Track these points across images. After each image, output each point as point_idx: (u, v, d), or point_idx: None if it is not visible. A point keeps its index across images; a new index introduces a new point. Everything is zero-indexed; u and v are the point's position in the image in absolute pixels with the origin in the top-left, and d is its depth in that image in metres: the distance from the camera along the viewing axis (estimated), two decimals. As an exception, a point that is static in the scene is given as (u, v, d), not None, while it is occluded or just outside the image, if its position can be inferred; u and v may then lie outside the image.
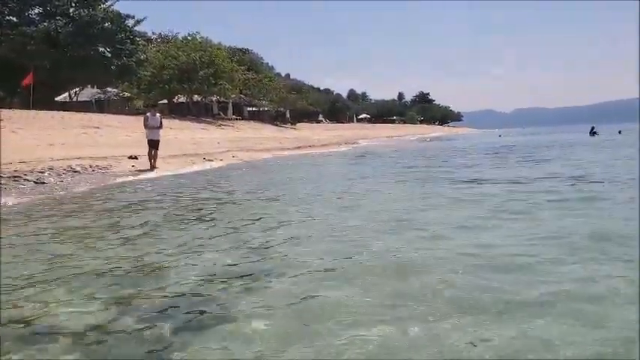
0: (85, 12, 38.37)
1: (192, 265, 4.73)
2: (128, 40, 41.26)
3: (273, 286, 4.07)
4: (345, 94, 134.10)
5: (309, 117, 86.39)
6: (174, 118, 38.85)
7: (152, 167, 15.73)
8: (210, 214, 7.77)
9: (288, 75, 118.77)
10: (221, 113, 58.11)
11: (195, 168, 17.28)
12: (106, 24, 39.26)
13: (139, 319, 3.43)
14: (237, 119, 55.94)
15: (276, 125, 59.71)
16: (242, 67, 57.47)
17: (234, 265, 4.70)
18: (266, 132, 46.67)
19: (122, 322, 3.38)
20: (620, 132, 55.30)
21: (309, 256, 4.85)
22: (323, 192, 10.38)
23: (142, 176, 14.10)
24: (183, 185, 12.15)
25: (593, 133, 52.05)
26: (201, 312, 3.55)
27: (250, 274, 4.37)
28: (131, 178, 13.47)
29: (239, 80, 54.35)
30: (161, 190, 11.00)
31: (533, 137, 53.83)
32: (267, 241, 5.62)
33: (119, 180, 12.87)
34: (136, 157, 17.07)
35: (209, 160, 19.59)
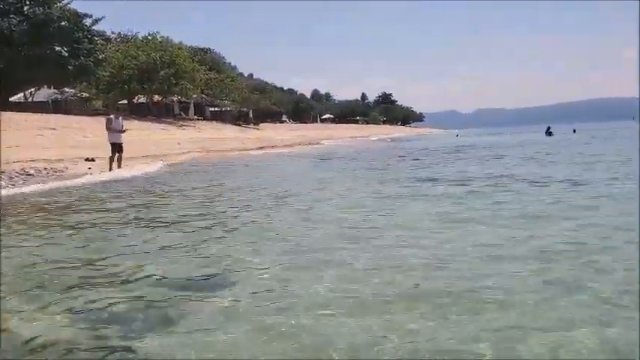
0: (40, 10, 37.54)
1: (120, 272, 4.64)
2: (86, 40, 40.55)
3: (220, 294, 4.01)
4: (309, 95, 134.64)
5: (273, 117, 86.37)
6: (134, 118, 38.38)
7: (111, 169, 15.47)
8: (153, 217, 7.57)
9: (251, 75, 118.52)
10: (182, 114, 57.63)
11: (151, 169, 16.59)
12: (63, 23, 38.52)
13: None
14: (198, 119, 55.58)
15: (239, 125, 59.55)
16: (203, 67, 57.14)
17: (179, 272, 4.61)
18: (228, 132, 46.53)
19: (65, 331, 3.29)
20: (574, 131, 57.32)
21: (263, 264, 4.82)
22: (276, 193, 10.44)
23: (95, 179, 13.58)
24: (134, 187, 11.85)
25: (548, 133, 53.85)
26: (150, 320, 3.49)
27: (197, 281, 4.33)
28: (82, 180, 12.94)
29: (200, 80, 54.04)
30: (108, 192, 10.88)
31: (489, 138, 55.21)
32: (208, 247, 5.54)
33: (70, 182, 12.50)
34: (93, 160, 16.90)
35: (165, 162, 19.50)
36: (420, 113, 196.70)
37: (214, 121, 57.07)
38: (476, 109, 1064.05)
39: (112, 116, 16.36)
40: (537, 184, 10.36)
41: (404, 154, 27.12)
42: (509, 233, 5.76)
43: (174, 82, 48.61)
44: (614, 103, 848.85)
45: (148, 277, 4.43)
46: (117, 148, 15.72)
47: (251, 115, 70.60)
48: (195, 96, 56.51)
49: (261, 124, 67.22)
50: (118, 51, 48.22)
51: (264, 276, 4.35)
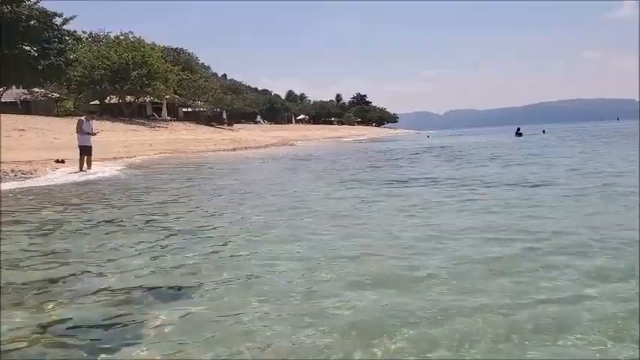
0: (7, 9, 36.94)
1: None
2: (56, 39, 40.08)
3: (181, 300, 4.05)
4: (283, 95, 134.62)
5: (247, 118, 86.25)
6: (106, 119, 38.09)
7: (81, 170, 15.47)
8: (114, 220, 7.51)
9: (224, 75, 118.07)
10: (155, 114, 57.21)
11: (115, 171, 16.10)
12: (32, 22, 37.96)
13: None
14: (171, 120, 55.27)
15: (212, 126, 59.40)
16: (176, 67, 56.83)
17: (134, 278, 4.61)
18: (201, 133, 46.42)
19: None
20: (544, 131, 58.71)
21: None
22: (234, 197, 10.46)
23: (61, 180, 13.48)
24: (99, 189, 11.84)
25: (518, 134, 55.09)
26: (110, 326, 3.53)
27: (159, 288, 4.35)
28: (47, 183, 12.88)
29: (173, 80, 53.71)
30: (74, 194, 10.92)
31: (459, 139, 56.14)
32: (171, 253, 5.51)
33: (36, 184, 12.41)
34: (62, 161, 16.85)
35: (130, 163, 19.50)
36: (394, 114, 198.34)
37: (187, 122, 56.82)
38: (448, 111, 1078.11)
39: (82, 118, 16.24)
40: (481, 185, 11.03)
41: (375, 155, 27.58)
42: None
43: (146, 82, 48.29)
44: (581, 105, 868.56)
45: (96, 284, 4.36)
46: (86, 151, 15.65)
47: (225, 116, 70.42)
48: (168, 96, 56.15)
49: (235, 125, 67.14)
50: (89, 51, 47.69)
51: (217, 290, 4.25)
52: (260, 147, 37.94)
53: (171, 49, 72.36)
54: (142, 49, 49.85)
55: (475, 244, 5.51)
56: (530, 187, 10.59)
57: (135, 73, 47.12)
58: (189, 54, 77.83)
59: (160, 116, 56.61)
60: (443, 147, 33.81)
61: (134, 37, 52.43)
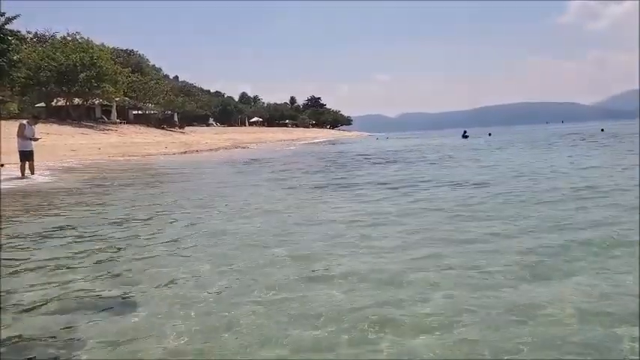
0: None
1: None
2: (-3, 40, 38.78)
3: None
4: (236, 97, 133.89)
5: (199, 120, 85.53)
6: (52, 122, 37.28)
7: (23, 176, 15.26)
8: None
9: (176, 77, 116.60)
10: (104, 117, 56.12)
11: (56, 177, 15.78)
12: (-28, 21, 36.71)
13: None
14: (121, 123, 54.35)
15: (164, 129, 58.71)
16: (126, 69, 55.94)
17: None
18: (152, 136, 45.98)
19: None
20: (490, 134, 60.90)
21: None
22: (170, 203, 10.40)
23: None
24: (40, 196, 11.63)
25: (464, 136, 57.01)
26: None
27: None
28: None
29: (123, 82, 52.86)
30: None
31: (407, 141, 57.55)
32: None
33: None
34: (2, 165, 16.64)
35: (77, 168, 19.39)
36: (349, 117, 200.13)
37: (138, 125, 55.99)
38: (401, 113, 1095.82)
39: (24, 122, 15.85)
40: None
41: (324, 157, 28.15)
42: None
43: (95, 84, 47.35)
44: (527, 108, 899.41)
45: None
46: (27, 156, 15.33)
47: (176, 119, 69.67)
48: (117, 99, 55.15)
49: (186, 128, 66.56)
50: (34, 52, 46.40)
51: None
52: (212, 150, 37.98)
53: (121, 50, 71.12)
54: (91, 50, 48.84)
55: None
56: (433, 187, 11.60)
57: (83, 74, 46.16)
58: (139, 55, 76.75)
59: (109, 119, 55.55)
60: (387, 150, 34.92)
61: (82, 37, 51.32)
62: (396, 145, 46.37)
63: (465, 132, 60.43)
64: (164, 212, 9.14)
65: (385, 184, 12.77)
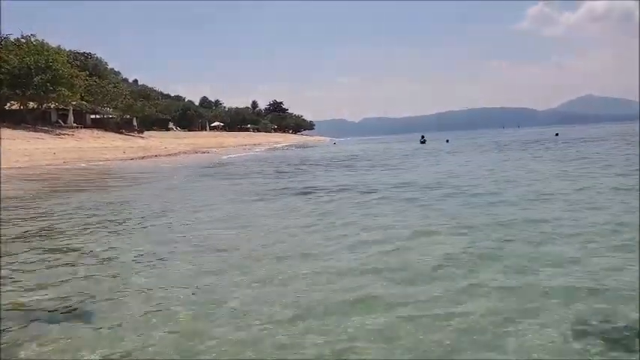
0: None
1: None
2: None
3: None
4: (197, 101, 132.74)
5: (159, 125, 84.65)
6: (6, 127, 36.49)
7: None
8: None
9: (136, 81, 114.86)
10: (60, 121, 55.00)
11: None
12: None
13: None
14: (78, 127, 53.39)
15: (122, 133, 58.01)
16: (84, 73, 55.02)
17: None
18: (109, 141, 45.45)
19: None
20: (447, 141, 62.50)
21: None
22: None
23: None
24: None
25: (422, 141, 58.34)
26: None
27: None
28: None
29: (80, 86, 51.97)
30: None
31: (364, 146, 58.62)
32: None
33: None
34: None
35: (30, 175, 19.23)
36: (311, 122, 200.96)
37: (95, 130, 55.13)
38: (363, 118, 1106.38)
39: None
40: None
41: (278, 163, 28.60)
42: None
43: (50, 88, 46.42)
44: (486, 113, 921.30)
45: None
46: None
47: (135, 123, 68.82)
48: (74, 103, 54.15)
49: (146, 132, 65.85)
50: (-15, 54, 45.21)
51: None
52: (170, 155, 37.89)
53: (79, 53, 69.82)
54: (46, 52, 47.89)
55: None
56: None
57: (38, 78, 45.23)
58: (97, 58, 75.41)
59: (65, 123, 54.47)
60: (342, 155, 35.77)
61: (37, 40, 50.23)
62: (348, 150, 47.40)
63: (422, 137, 61.75)
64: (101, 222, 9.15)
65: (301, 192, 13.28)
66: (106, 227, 8.57)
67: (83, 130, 52.32)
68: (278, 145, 76.17)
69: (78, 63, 59.20)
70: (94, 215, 9.86)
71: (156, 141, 54.24)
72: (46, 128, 45.74)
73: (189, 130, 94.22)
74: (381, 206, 10.09)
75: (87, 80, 55.48)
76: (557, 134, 61.05)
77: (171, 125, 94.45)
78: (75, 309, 4.45)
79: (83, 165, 24.83)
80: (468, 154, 31.46)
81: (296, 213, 9.65)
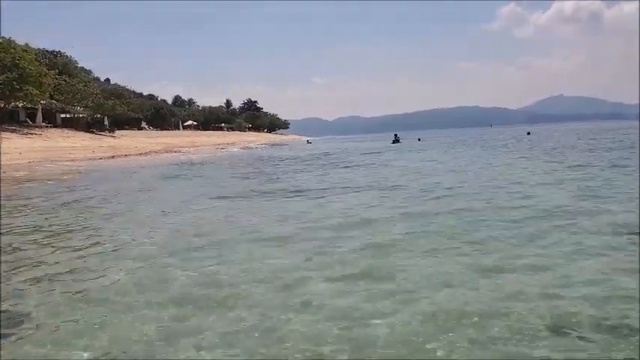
0: None
1: None
2: None
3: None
4: (170, 100, 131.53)
5: (132, 124, 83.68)
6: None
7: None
8: None
9: (107, 80, 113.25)
10: (29, 120, 54.02)
11: None
12: None
13: None
14: (47, 127, 52.51)
15: (93, 133, 57.22)
16: (53, 71, 54.11)
17: None
18: (79, 140, 44.82)
19: None
20: (419, 139, 63.14)
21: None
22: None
23: None
24: None
25: (396, 140, 58.76)
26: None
27: None
28: None
29: (49, 85, 51.10)
30: None
31: (338, 144, 59.07)
32: None
33: None
34: None
35: None
36: (285, 120, 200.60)
37: (65, 129, 54.27)
38: (337, 117, 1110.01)
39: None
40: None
41: (249, 162, 28.67)
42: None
43: (17, 86, 45.55)
44: (459, 112, 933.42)
45: None
46: None
47: (106, 122, 67.92)
48: (43, 102, 53.24)
49: (117, 132, 65.05)
50: (-51, 52, 44.17)
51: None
52: (141, 154, 37.60)
53: (48, 51, 68.60)
54: (13, 50, 46.96)
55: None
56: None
57: (3, 76, 44.36)
58: (66, 57, 74.14)
59: (34, 122, 53.53)
60: (313, 154, 36.07)
61: (2, 37, 49.21)
62: (320, 148, 47.80)
63: (395, 136, 62.09)
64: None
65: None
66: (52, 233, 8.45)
67: (53, 129, 51.48)
68: (252, 145, 76.08)
69: (47, 61, 58.17)
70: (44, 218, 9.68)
71: (127, 140, 53.65)
72: (13, 127, 44.89)
73: (162, 130, 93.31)
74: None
75: (56, 79, 54.60)
76: (528, 133, 62.22)
77: (143, 124, 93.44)
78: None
79: (47, 165, 24.52)
80: (430, 152, 31.99)
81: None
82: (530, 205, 8.94)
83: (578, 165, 16.99)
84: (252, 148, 59.43)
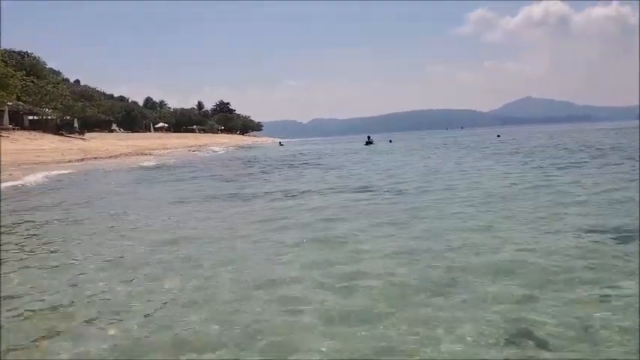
0: None
1: None
2: None
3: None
4: (141, 102, 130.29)
5: (102, 126, 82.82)
6: None
7: None
8: None
9: (77, 81, 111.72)
10: (-6, 122, 53.08)
11: None
12: None
13: None
14: (14, 129, 51.68)
15: (62, 135, 56.56)
16: (20, 72, 53.34)
17: None
18: (48, 143, 44.33)
19: None
20: (390, 141, 63.99)
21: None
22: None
23: None
24: None
25: (369, 142, 59.38)
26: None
27: None
28: None
29: (15, 86, 50.33)
30: None
31: (308, 146, 59.59)
32: None
33: None
34: None
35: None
36: (259, 122, 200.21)
37: (33, 131, 53.50)
38: (312, 119, 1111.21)
39: None
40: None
41: (218, 164, 28.92)
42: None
43: (-18, 88, 44.87)
44: (431, 114, 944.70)
45: None
46: None
47: (76, 124, 67.12)
48: (10, 103, 52.39)
49: (88, 134, 64.35)
50: None
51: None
52: (111, 157, 37.46)
53: (14, 52, 67.59)
54: (-22, 52, 46.26)
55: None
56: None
57: (-32, 77, 43.67)
58: (34, 57, 73.07)
59: (1, 124, 52.61)
60: (283, 156, 36.48)
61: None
62: (290, 150, 48.18)
63: (369, 137, 62.64)
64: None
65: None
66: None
67: (20, 131, 50.72)
68: (223, 146, 75.95)
69: (14, 62, 57.34)
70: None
71: (97, 142, 53.20)
72: (-22, 130, 44.17)
73: (133, 132, 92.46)
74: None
75: (24, 80, 53.85)
76: (498, 136, 63.48)
77: (114, 127, 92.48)
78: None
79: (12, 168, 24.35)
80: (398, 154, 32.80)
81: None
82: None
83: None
84: (216, 152, 58.85)
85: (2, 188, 16.04)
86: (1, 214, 10.55)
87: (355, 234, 7.26)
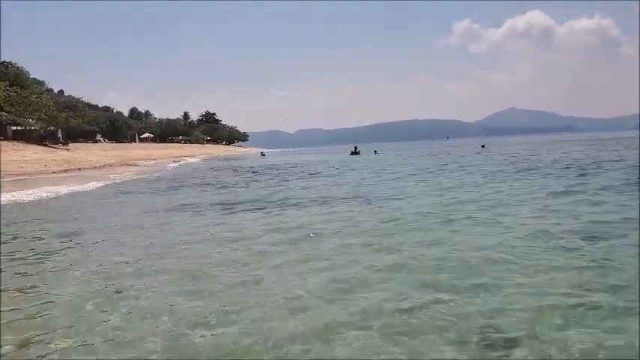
0: None
1: None
2: None
3: None
4: (126, 112, 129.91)
5: (87, 137, 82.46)
6: None
7: None
8: None
9: (61, 91, 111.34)
10: (-24, 133, 52.74)
11: None
12: None
13: None
14: (-3, 140, 51.32)
15: (46, 146, 56.26)
16: (3, 82, 53.13)
17: None
18: (31, 153, 44.09)
19: None
20: (375, 152, 64.47)
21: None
22: None
23: None
24: None
25: (355, 152, 59.65)
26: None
27: None
28: None
29: (-1, 97, 50.14)
30: None
31: (290, 157, 59.92)
32: None
33: None
34: None
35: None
36: (245, 133, 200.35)
37: (16, 142, 53.12)
38: (297, 130, 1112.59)
39: None
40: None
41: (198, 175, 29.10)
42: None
43: (-36, 99, 44.60)
44: (417, 125, 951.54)
45: None
46: None
47: (60, 135, 66.76)
48: (-7, 114, 52.13)
49: (72, 145, 64.03)
50: None
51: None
52: (95, 168, 37.45)
53: (-4, 62, 67.31)
54: (-39, 62, 46.08)
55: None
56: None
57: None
58: (18, 68, 72.72)
59: (-16, 135, 52.27)
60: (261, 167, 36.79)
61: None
62: (272, 161, 48.47)
63: (355, 148, 62.80)
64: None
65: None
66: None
67: (3, 142, 50.37)
68: (209, 157, 76.01)
69: (-3, 72, 57.12)
70: None
71: (81, 153, 53.00)
72: (-40, 140, 43.81)
73: (118, 142, 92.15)
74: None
75: (7, 90, 53.61)
76: (483, 146, 64.07)
77: (99, 137, 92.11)
78: None
79: None
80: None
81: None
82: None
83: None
84: (208, 160, 59.17)
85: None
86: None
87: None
